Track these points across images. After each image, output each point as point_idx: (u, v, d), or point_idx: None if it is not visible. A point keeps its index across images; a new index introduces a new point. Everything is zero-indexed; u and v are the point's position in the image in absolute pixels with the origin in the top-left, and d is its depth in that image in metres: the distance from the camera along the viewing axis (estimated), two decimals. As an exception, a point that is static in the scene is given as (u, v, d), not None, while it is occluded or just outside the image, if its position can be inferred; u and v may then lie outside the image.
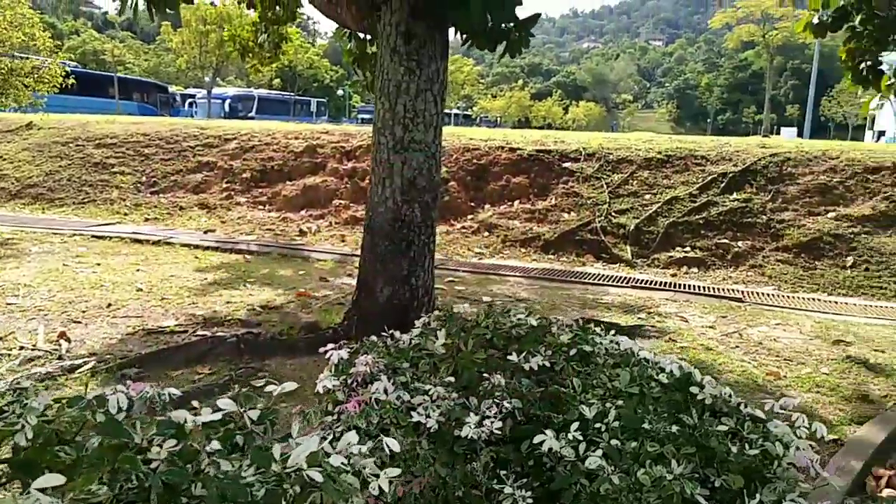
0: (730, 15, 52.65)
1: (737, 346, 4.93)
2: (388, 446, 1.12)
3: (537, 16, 3.81)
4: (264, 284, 6.21)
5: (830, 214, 7.99)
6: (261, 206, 10.30)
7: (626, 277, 7.30)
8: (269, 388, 1.45)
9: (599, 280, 7.13)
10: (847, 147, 9.61)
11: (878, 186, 8.32)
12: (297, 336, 4.36)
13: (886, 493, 2.95)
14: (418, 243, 4.13)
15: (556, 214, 9.00)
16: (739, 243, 7.88)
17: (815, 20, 5.50)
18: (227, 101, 39.10)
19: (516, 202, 9.47)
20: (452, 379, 1.25)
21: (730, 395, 1.13)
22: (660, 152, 9.69)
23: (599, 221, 8.57)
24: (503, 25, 3.72)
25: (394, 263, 4.11)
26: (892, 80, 5.60)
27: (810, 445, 3.02)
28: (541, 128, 66.58)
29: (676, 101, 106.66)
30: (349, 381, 1.35)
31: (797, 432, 1.10)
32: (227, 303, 5.46)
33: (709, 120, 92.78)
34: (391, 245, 4.10)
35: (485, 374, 1.22)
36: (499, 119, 71.21)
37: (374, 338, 1.55)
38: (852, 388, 4.13)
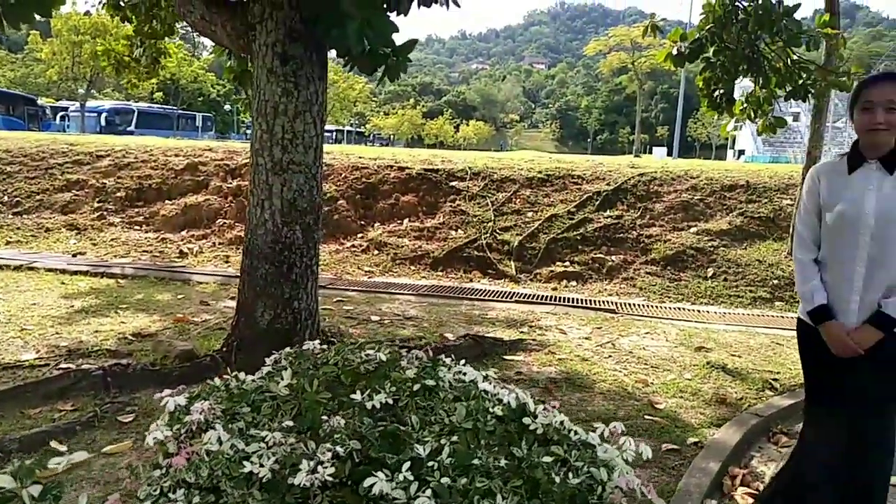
0: (603, 43, 56.23)
1: (610, 356, 5.22)
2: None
3: (414, 41, 3.91)
4: (138, 310, 5.88)
5: (692, 229, 8.68)
6: (137, 227, 9.75)
7: (510, 292, 7.55)
8: (55, 460, 1.34)
9: (486, 296, 7.33)
10: (707, 167, 10.49)
11: (734, 203, 9.14)
12: (172, 366, 4.17)
13: (741, 491, 3.21)
14: (301, 265, 4.09)
15: (444, 232, 9.16)
16: (613, 257, 8.37)
17: (675, 51, 6.00)
18: (104, 115, 36.67)
19: (406, 220, 9.56)
20: (291, 423, 1.23)
21: (561, 423, 1.20)
22: (540, 172, 10.13)
23: (485, 238, 8.81)
24: (381, 50, 3.78)
25: (275, 287, 4.04)
26: (745, 105, 6.20)
27: (675, 448, 3.19)
28: (433, 145, 67.55)
29: (559, 122, 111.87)
30: (183, 431, 1.30)
31: (624, 455, 1.18)
32: (96, 332, 5.13)
33: (589, 139, 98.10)
34: (272, 268, 4.03)
35: (324, 417, 1.23)
36: (392, 137, 71.53)
37: (217, 380, 1.50)
38: (712, 392, 4.48)
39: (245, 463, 1.17)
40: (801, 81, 5.22)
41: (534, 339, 5.57)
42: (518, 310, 6.72)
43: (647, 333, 6.01)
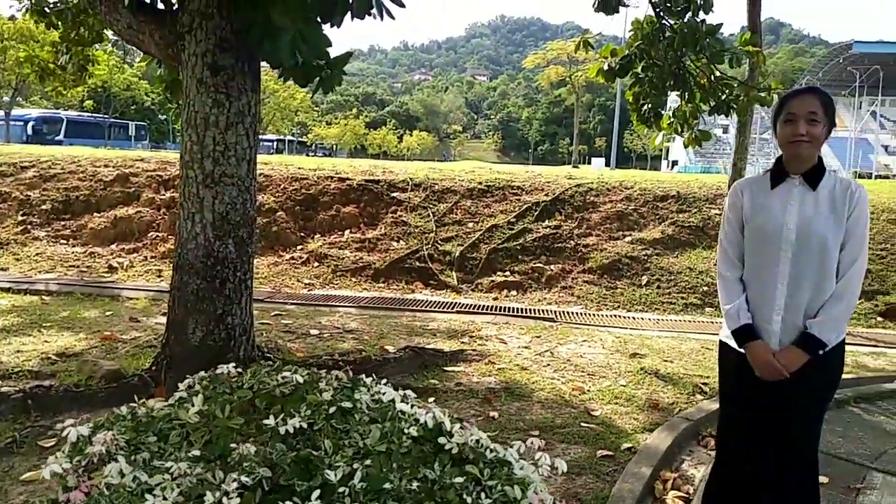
0: (541, 56, 57.56)
1: (548, 364, 5.30)
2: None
3: (349, 55, 3.90)
4: (63, 329, 5.62)
5: (627, 238, 8.92)
6: (63, 241, 9.34)
7: (452, 303, 7.58)
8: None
9: (427, 306, 7.33)
10: (640, 178, 10.82)
11: (666, 213, 9.45)
12: (98, 387, 4.00)
13: (672, 495, 3.29)
14: (234, 280, 3.99)
15: (385, 243, 9.13)
16: (552, 266, 8.52)
17: (606, 66, 6.17)
18: (30, 124, 34.92)
19: (346, 231, 9.49)
20: (198, 452, 1.19)
21: (477, 441, 1.19)
22: (481, 183, 10.24)
23: (427, 249, 8.82)
24: (316, 62, 3.76)
25: (207, 303, 3.93)
26: (672, 119, 6.43)
27: (609, 455, 3.24)
28: (376, 156, 67.33)
29: (501, 133, 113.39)
30: (84, 463, 1.24)
31: (540, 471, 1.18)
32: (17, 352, 4.87)
33: (530, 150, 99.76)
34: (203, 283, 3.92)
35: (234, 444, 1.19)
36: (334, 146, 70.93)
37: (123, 408, 1.44)
38: (645, 398, 4.59)
39: (147, 496, 1.11)
40: (724, 97, 5.47)
41: (474, 350, 5.60)
42: (459, 320, 6.75)
43: (584, 341, 6.13)
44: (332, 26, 3.41)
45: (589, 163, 54.27)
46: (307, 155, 53.72)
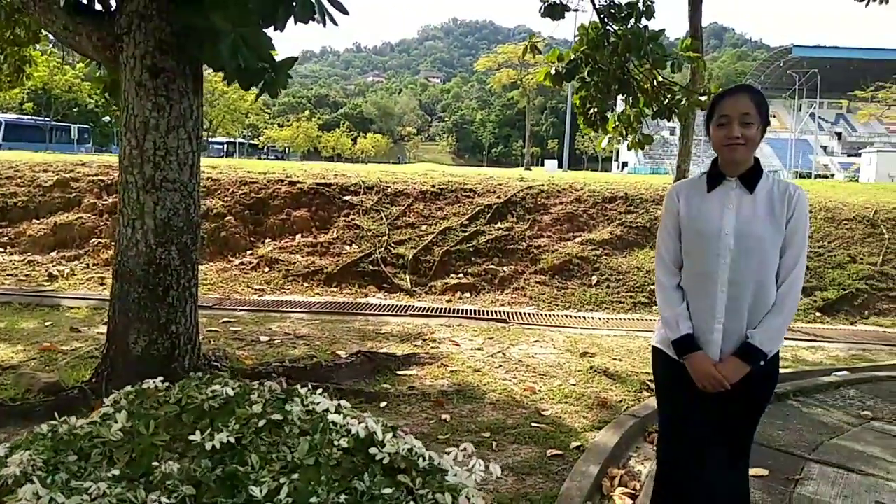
0: (492, 59, 58.00)
1: (500, 366, 5.34)
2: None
3: (293, 59, 3.85)
4: (0, 340, 5.39)
5: (577, 239, 9.07)
6: (0, 249, 8.96)
7: (405, 306, 7.56)
8: None
9: (380, 310, 7.30)
10: (590, 180, 11.00)
11: (615, 214, 9.64)
12: (35, 400, 3.85)
13: (619, 491, 3.35)
14: (177, 288, 3.90)
15: (338, 247, 9.06)
16: (505, 268, 8.59)
17: (553, 71, 6.26)
18: (-34, 129, 33.42)
19: (298, 236, 9.37)
20: (118, 472, 1.15)
21: (410, 450, 1.19)
22: (434, 185, 10.26)
23: (380, 253, 8.79)
24: (260, 65, 3.70)
25: (149, 311, 3.83)
26: (617, 123, 6.57)
27: (559, 454, 3.25)
28: (330, 158, 66.70)
29: (456, 135, 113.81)
30: None
31: (474, 477, 1.18)
32: (-53, 367, 4.65)
33: (484, 152, 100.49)
34: (145, 291, 3.82)
35: (155, 462, 1.16)
36: (287, 149, 69.95)
37: (44, 426, 1.38)
38: (594, 396, 4.67)
39: (64, 518, 1.08)
40: (666, 101, 5.61)
41: (427, 353, 5.60)
42: (413, 323, 6.74)
43: (536, 341, 6.19)
44: (275, 30, 3.36)
45: (542, 164, 54.96)
46: (259, 158, 52.84)
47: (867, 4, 6.96)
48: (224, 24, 3.20)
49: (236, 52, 3.25)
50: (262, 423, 1.21)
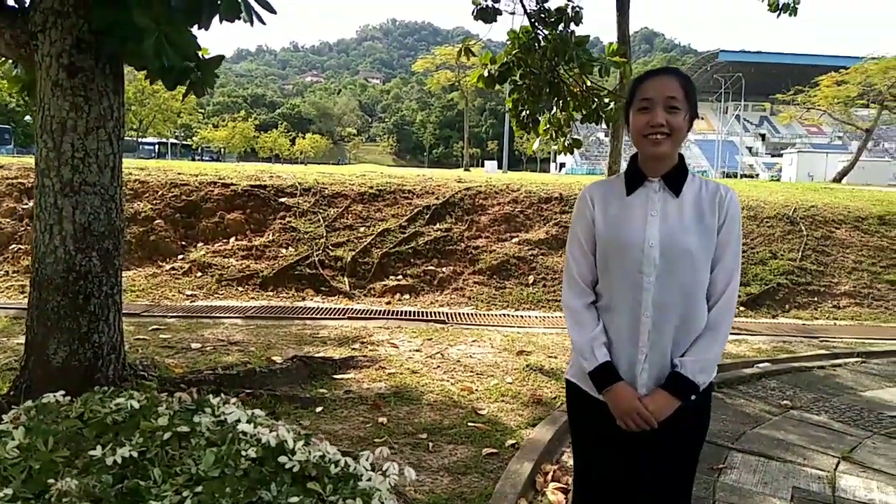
0: (429, 61, 58.15)
1: (438, 367, 5.36)
2: None
3: (220, 58, 3.76)
4: None
5: (515, 240, 9.20)
6: None
7: (343, 309, 7.49)
8: None
9: (318, 314, 7.20)
10: (526, 181, 11.18)
11: (550, 214, 9.82)
12: (-57, 417, 3.62)
13: (552, 486, 3.41)
14: (99, 295, 3.74)
15: (274, 250, 8.89)
16: (444, 269, 8.63)
17: (486, 73, 6.33)
18: None
19: (232, 239, 9.15)
20: (11, 491, 1.10)
21: (321, 457, 1.17)
22: (372, 187, 10.20)
23: (318, 255, 8.68)
24: (186, 64, 3.60)
25: (70, 320, 3.66)
26: (548, 126, 6.69)
27: (494, 452, 3.27)
28: (268, 159, 65.38)
29: (396, 136, 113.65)
30: None
31: (388, 481, 1.18)
32: None
33: (425, 153, 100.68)
34: (65, 300, 3.65)
35: (52, 480, 1.11)
36: (222, 150, 68.18)
37: None
38: (530, 394, 4.75)
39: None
40: (594, 106, 5.76)
41: (365, 356, 5.57)
42: (351, 326, 6.69)
43: (474, 341, 6.24)
44: (199, 28, 3.28)
45: (482, 166, 55.45)
46: (192, 159, 51.36)
47: (778, 15, 7.34)
48: (146, 22, 3.09)
49: (160, 50, 3.14)
50: (167, 435, 1.17)
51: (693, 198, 1.86)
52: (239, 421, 1.21)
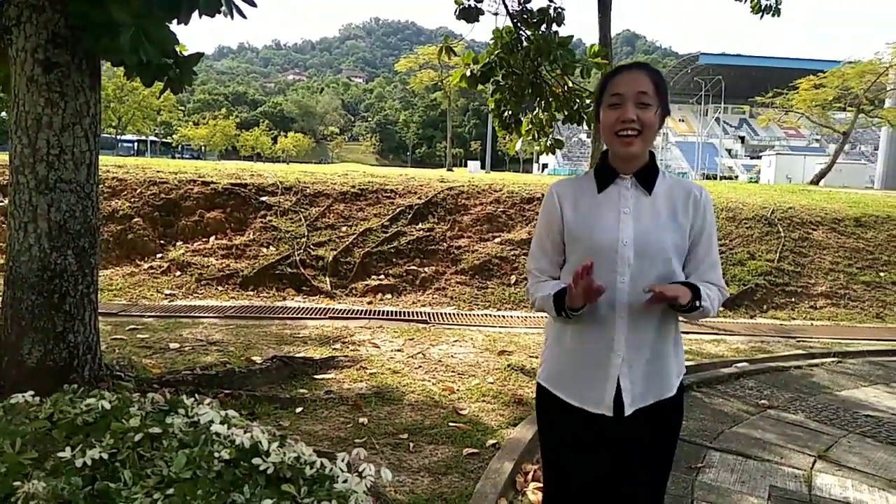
0: (412, 60, 58.15)
1: (420, 367, 5.35)
2: None
3: (199, 55, 3.72)
4: None
5: (497, 239, 9.21)
6: None
7: (325, 309, 7.45)
8: None
9: (299, 314, 7.16)
10: (508, 181, 11.21)
11: (532, 214, 9.84)
12: (-88, 418, 3.54)
13: (532, 486, 3.42)
14: (75, 294, 3.69)
15: (254, 249, 8.82)
16: (426, 269, 8.62)
17: (468, 73, 6.32)
18: None
19: (212, 238, 9.06)
20: None
21: (296, 458, 1.16)
22: (354, 186, 10.16)
23: (299, 255, 8.62)
24: (163, 61, 3.56)
25: (44, 320, 3.61)
26: (530, 126, 6.71)
27: (475, 452, 3.27)
28: (249, 157, 64.92)
29: (379, 135, 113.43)
30: None
31: (365, 483, 1.17)
32: None
33: (408, 153, 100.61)
34: (40, 299, 3.59)
35: (17, 483, 1.09)
36: (203, 148, 67.53)
37: None
38: (511, 394, 4.75)
39: None
40: (576, 106, 5.79)
41: (346, 356, 5.54)
42: (332, 326, 6.65)
43: (455, 341, 6.24)
44: (178, 23, 3.24)
45: (465, 166, 55.52)
46: (172, 157, 50.81)
47: (762, 17, 7.42)
48: (123, 17, 3.05)
49: (137, 46, 3.10)
50: (139, 437, 1.15)
51: (666, 196, 1.83)
52: (212, 422, 1.19)
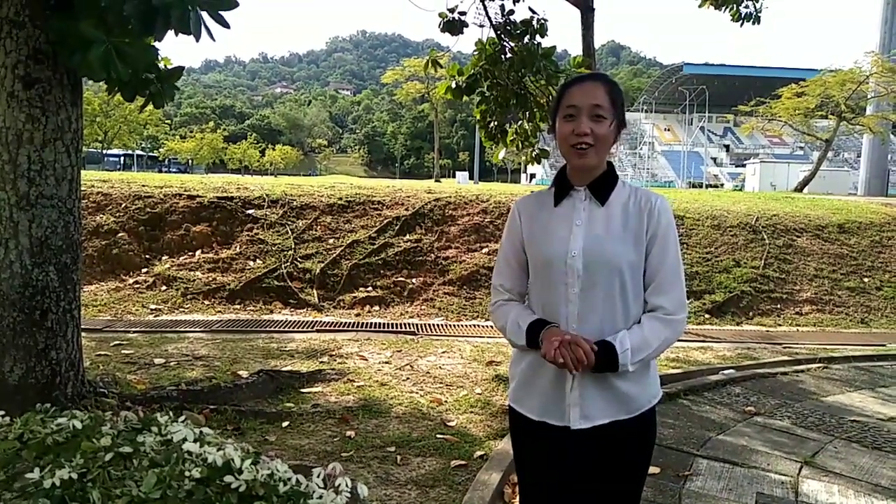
0: (399, 72, 58.40)
1: (408, 378, 5.33)
2: None
3: (181, 69, 3.72)
4: None
5: (484, 250, 9.23)
6: None
7: (312, 322, 7.41)
8: None
9: (286, 327, 7.12)
10: (495, 191, 11.25)
11: (520, 224, 9.88)
12: None
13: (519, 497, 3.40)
14: (57, 311, 3.65)
15: (241, 263, 8.78)
16: (414, 280, 8.61)
17: (454, 84, 6.36)
18: None
19: (198, 252, 9.01)
20: None
21: (270, 475, 1.15)
22: (341, 198, 10.16)
23: (286, 267, 8.59)
24: (145, 76, 3.55)
25: (26, 337, 3.57)
26: (514, 136, 6.74)
27: (463, 464, 3.26)
28: (237, 171, 64.70)
29: (367, 147, 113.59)
30: None
31: (341, 498, 1.16)
32: None
33: (396, 164, 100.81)
34: (21, 316, 3.55)
35: None
36: (190, 161, 67.28)
37: None
38: (498, 405, 4.75)
39: None
40: (560, 116, 5.80)
41: (333, 369, 5.52)
42: (319, 339, 6.62)
43: (444, 352, 6.23)
44: (155, 40, 3.24)
45: (454, 177, 55.67)
46: (159, 171, 50.59)
47: (742, 24, 7.52)
48: (94, 33, 3.04)
49: (107, 62, 3.09)
50: (109, 456, 1.13)
51: (621, 206, 1.81)
52: (185, 440, 1.18)
